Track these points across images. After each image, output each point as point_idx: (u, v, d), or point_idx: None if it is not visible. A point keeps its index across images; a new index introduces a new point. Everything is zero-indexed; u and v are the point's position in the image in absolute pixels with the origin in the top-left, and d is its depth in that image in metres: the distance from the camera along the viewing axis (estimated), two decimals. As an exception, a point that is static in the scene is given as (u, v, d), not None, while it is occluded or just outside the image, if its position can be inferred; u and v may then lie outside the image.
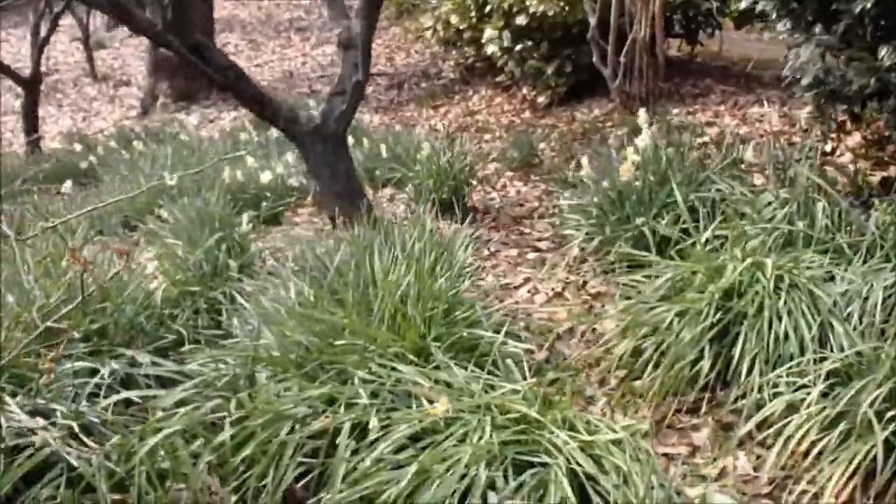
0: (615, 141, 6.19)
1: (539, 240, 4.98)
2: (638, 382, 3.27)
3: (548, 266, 4.54)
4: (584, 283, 4.31)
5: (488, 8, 7.62)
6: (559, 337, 3.74)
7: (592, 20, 6.56)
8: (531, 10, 6.85)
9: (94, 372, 3.05)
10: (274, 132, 8.11)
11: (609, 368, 3.37)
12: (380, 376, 2.72)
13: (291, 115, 5.08)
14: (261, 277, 4.10)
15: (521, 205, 5.67)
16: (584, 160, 4.57)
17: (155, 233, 5.01)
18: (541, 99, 7.77)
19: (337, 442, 2.48)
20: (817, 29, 4.04)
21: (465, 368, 2.84)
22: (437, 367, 2.80)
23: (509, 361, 3.00)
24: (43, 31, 9.17)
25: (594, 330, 3.79)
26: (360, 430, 2.55)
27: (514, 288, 4.36)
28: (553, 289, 4.32)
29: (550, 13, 6.87)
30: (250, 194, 5.90)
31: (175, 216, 5.09)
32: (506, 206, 5.64)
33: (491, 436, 2.41)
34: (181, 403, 2.80)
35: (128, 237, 5.54)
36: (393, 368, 2.75)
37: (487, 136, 7.68)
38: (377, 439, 2.47)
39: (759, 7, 4.27)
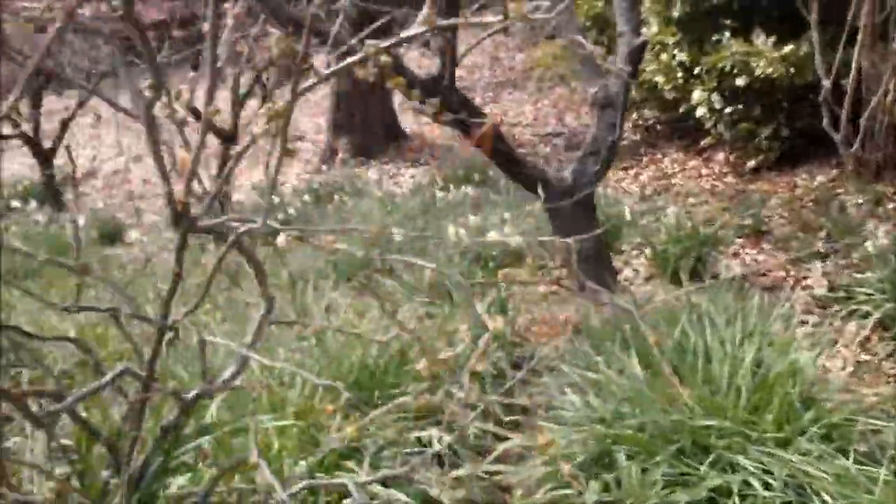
0: (857, 211, 5.87)
1: (805, 312, 4.66)
2: None
3: (826, 341, 4.22)
4: (880, 361, 3.98)
5: (697, 69, 7.40)
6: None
7: (826, 82, 6.21)
8: (756, 71, 6.59)
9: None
10: (470, 189, 8.09)
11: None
12: (761, 463, 2.48)
13: (542, 175, 4.96)
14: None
15: (765, 274, 5.36)
16: (881, 231, 4.24)
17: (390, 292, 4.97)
18: (750, 163, 7.45)
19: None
20: None
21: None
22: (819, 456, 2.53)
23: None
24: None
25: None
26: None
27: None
28: (843, 367, 4.00)
29: (775, 75, 6.59)
30: (473, 252, 5.79)
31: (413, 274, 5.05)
32: (748, 275, 5.34)
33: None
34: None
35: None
36: (772, 455, 2.50)
37: (692, 200, 7.40)
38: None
39: None
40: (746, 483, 2.40)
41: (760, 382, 2.82)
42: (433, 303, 4.39)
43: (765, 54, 6.46)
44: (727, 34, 7.00)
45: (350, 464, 2.68)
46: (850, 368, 3.96)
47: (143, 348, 2.45)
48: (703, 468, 2.45)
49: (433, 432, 2.93)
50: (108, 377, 1.60)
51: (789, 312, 3.57)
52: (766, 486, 2.39)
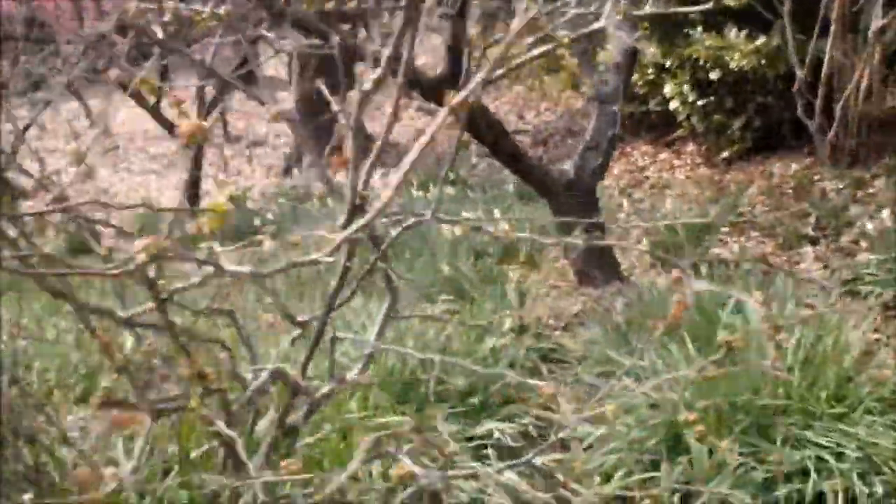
0: (837, 196, 6.06)
1: (807, 296, 4.80)
2: None
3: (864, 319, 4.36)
4: (888, 339, 4.13)
5: (668, 63, 7.54)
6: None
7: (800, 72, 6.44)
8: (731, 65, 6.76)
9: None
10: (450, 190, 8.14)
11: None
12: (827, 437, 2.56)
13: (545, 170, 5.04)
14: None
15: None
16: (885, 213, 4.39)
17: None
18: (723, 154, 7.63)
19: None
20: None
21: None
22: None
23: None
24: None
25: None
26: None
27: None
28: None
29: (748, 67, 6.77)
30: (472, 250, 5.85)
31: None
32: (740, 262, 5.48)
33: None
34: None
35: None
36: (836, 430, 2.59)
37: (669, 192, 7.55)
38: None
39: None
40: (818, 458, 2.48)
41: (807, 359, 2.91)
42: (451, 299, 4.41)
43: (738, 47, 6.63)
44: (699, 28, 7.15)
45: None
46: (860, 347, 4.09)
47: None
48: (777, 445, 2.53)
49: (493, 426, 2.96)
50: (259, 381, 1.59)
51: (825, 292, 3.67)
52: (838, 460, 2.47)
